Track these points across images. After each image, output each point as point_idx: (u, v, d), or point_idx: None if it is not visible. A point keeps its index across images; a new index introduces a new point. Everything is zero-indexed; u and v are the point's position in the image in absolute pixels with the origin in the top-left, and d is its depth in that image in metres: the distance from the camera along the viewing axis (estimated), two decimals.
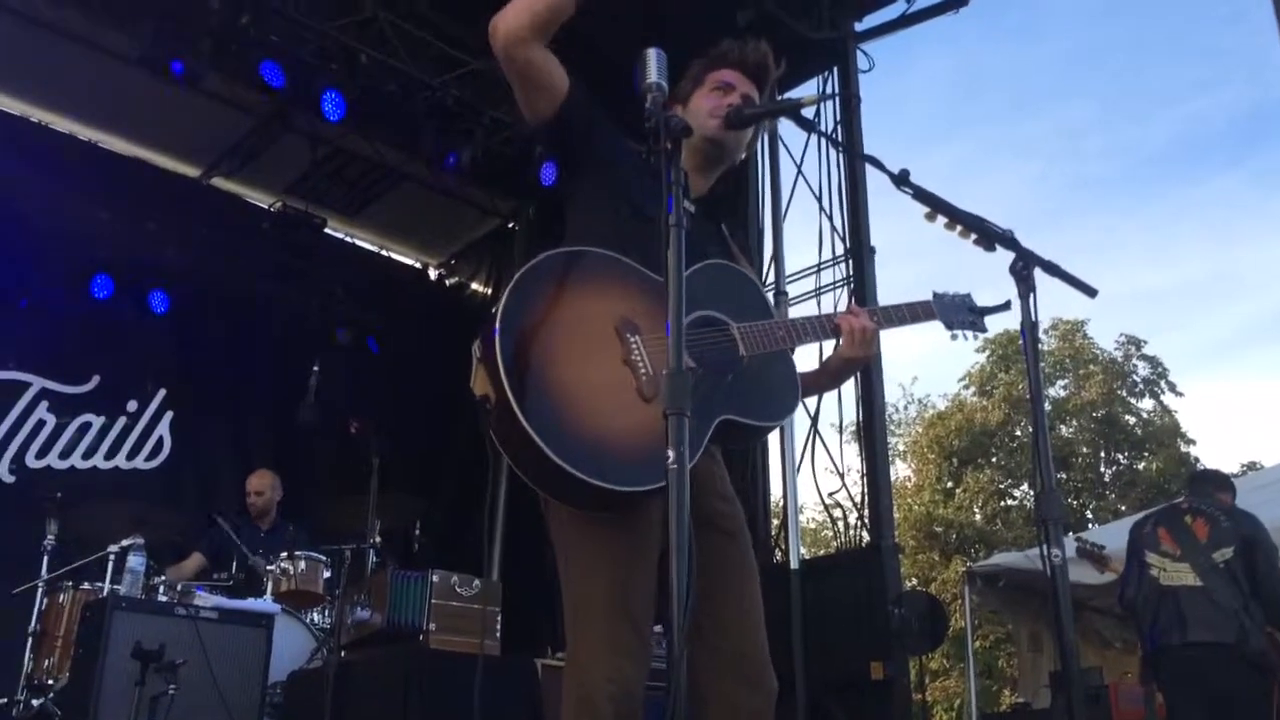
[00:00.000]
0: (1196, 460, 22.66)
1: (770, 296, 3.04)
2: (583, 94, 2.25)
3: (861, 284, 7.04)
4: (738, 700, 2.07)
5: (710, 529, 2.12)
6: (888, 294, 8.12)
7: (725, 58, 2.42)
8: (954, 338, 2.50)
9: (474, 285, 9.49)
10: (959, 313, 2.49)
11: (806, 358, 2.37)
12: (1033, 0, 36.30)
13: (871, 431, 6.89)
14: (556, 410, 1.91)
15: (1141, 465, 22.65)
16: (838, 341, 2.32)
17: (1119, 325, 36.47)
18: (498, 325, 1.92)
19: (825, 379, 2.45)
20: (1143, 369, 23.68)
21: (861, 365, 2.45)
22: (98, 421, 6.99)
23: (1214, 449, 30.93)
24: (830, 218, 7.40)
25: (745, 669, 2.11)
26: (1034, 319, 2.16)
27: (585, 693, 1.95)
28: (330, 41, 6.44)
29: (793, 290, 7.49)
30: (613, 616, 1.98)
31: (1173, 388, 23.27)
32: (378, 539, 5.19)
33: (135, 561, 4.59)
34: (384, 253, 9.39)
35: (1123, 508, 19.94)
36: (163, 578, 5.04)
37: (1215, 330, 36.87)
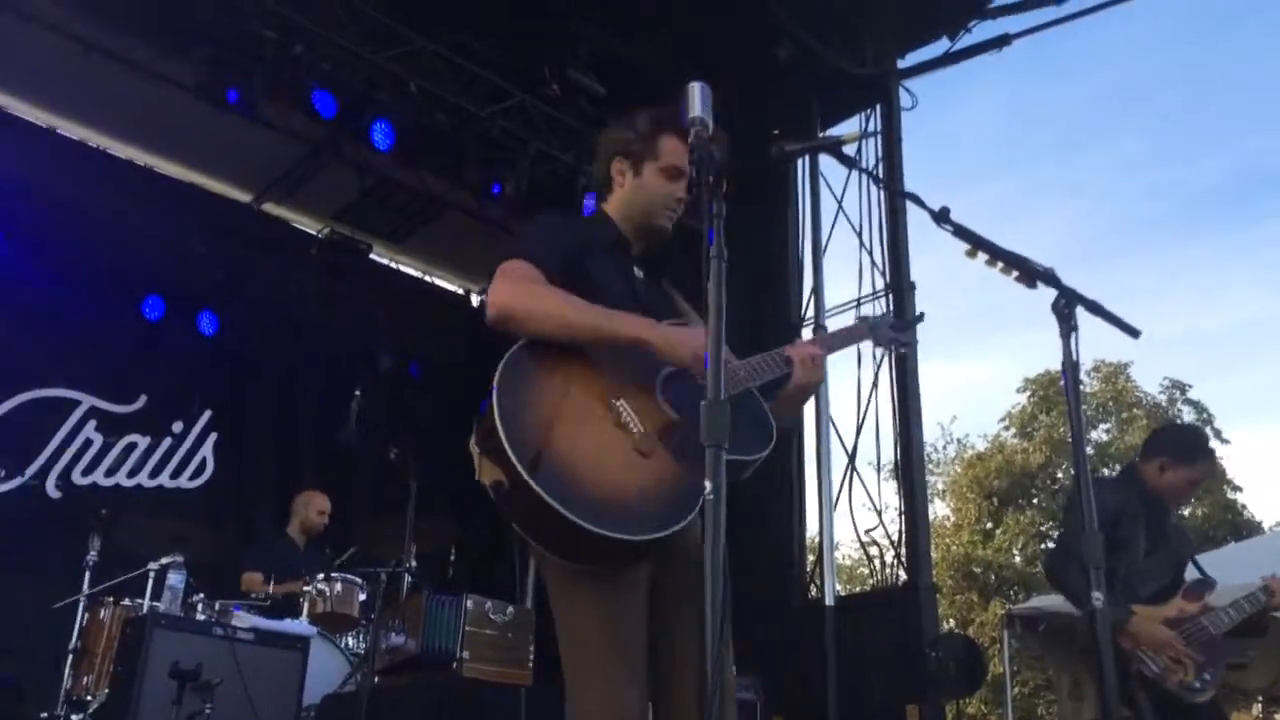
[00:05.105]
0: (1243, 507, 22.23)
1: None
2: (551, 260, 2.26)
3: (902, 319, 6.98)
4: None
5: (687, 562, 2.14)
6: (928, 330, 8.06)
7: (681, 128, 2.10)
8: (886, 353, 2.60)
9: None
10: (885, 331, 2.72)
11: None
12: (1082, 37, 36.15)
13: (910, 469, 6.82)
14: (568, 480, 1.99)
15: (1186, 511, 22.21)
16: (789, 373, 2.40)
17: (1165, 368, 35.85)
18: (497, 417, 2.00)
19: (789, 405, 2.51)
20: (1188, 414, 23.31)
21: (814, 390, 2.53)
22: (143, 442, 7.07)
23: (1261, 497, 30.25)
24: (870, 253, 7.39)
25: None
26: (1075, 359, 2.15)
27: None
28: (380, 71, 6.55)
29: (832, 325, 7.47)
30: (610, 648, 2.05)
31: (1218, 434, 22.86)
32: (414, 563, 5.21)
33: (175, 579, 4.63)
34: (428, 279, 9.49)
35: None
36: (200, 595, 5.07)
37: (1265, 376, 36.17)
